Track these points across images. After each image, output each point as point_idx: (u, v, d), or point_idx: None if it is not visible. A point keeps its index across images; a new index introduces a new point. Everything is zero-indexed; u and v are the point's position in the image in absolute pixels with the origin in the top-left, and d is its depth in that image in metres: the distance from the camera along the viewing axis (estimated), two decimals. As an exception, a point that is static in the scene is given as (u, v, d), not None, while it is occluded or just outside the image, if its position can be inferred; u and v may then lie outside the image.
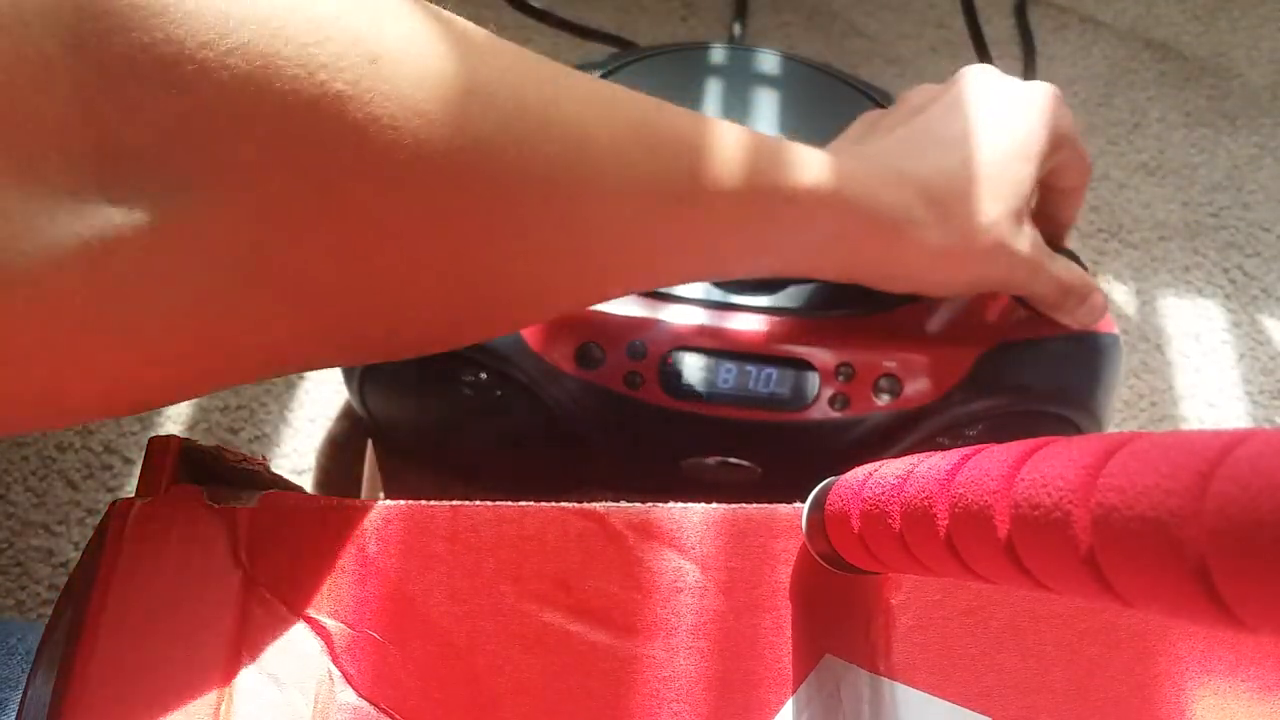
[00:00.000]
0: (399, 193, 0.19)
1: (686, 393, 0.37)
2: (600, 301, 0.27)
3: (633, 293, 0.28)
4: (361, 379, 0.40)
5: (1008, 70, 0.34)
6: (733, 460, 0.38)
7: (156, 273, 0.17)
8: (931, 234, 0.30)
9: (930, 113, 0.33)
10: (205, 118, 0.16)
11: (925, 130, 0.32)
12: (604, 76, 0.43)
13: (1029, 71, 0.67)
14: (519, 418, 0.39)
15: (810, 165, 0.27)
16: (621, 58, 0.44)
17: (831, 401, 0.37)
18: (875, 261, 0.30)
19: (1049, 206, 0.37)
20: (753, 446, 0.38)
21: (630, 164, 0.23)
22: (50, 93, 0.15)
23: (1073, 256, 0.36)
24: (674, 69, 0.43)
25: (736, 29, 0.68)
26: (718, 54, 0.45)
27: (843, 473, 0.19)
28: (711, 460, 0.39)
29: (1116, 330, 0.39)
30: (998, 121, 0.32)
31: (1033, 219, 0.33)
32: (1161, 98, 0.69)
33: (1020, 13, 0.71)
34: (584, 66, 0.43)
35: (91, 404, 0.19)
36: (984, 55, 0.62)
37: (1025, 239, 0.32)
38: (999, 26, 0.71)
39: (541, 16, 0.60)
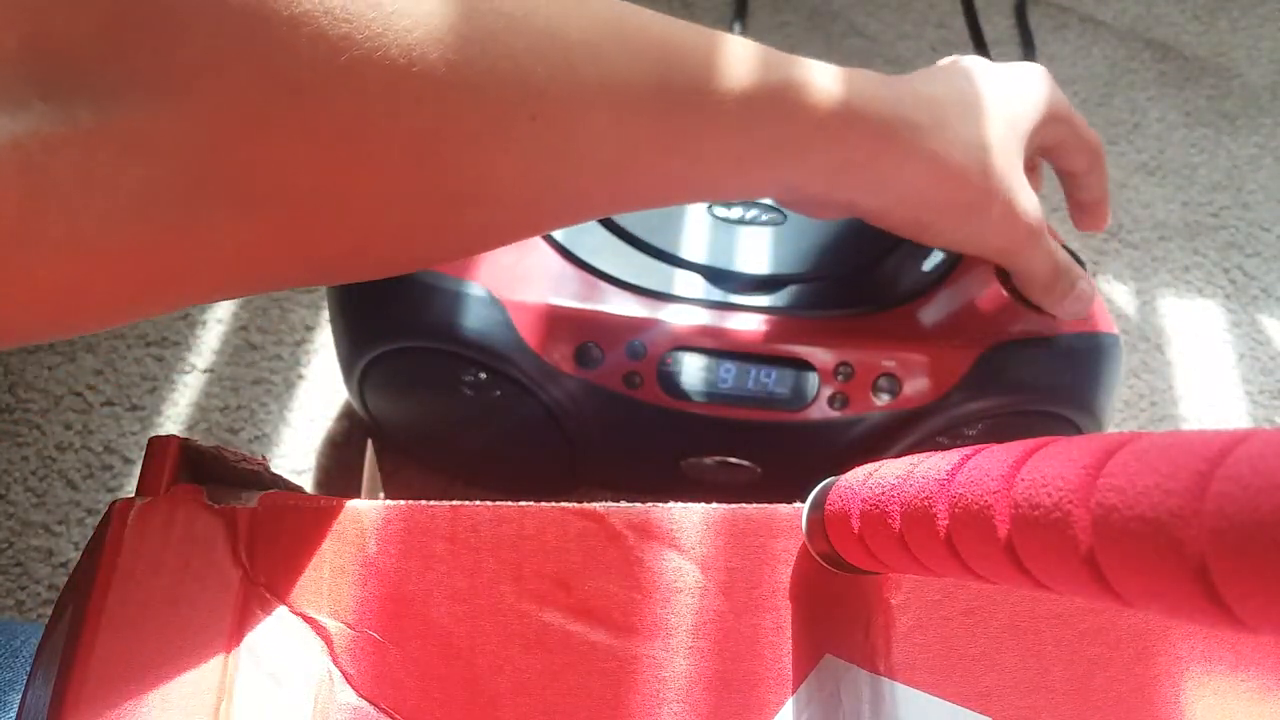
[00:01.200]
0: (363, 88, 0.18)
1: (686, 393, 0.37)
2: (585, 218, 0.26)
3: (619, 211, 0.27)
4: (361, 379, 0.40)
5: (1008, 70, 0.34)
6: (732, 460, 0.38)
7: (97, 177, 0.16)
8: (934, 140, 0.29)
9: (927, 69, 0.33)
10: (147, 8, 0.15)
11: (927, 73, 0.32)
12: None
13: (1029, 71, 0.68)
14: (518, 418, 0.39)
15: (813, 73, 0.27)
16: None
17: (831, 401, 0.37)
18: (878, 175, 0.29)
19: (1072, 190, 0.37)
20: (752, 446, 0.38)
21: (607, 64, 0.22)
22: None
23: (1073, 255, 0.37)
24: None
25: (736, 29, 0.68)
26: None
27: (842, 473, 0.19)
28: (711, 460, 0.39)
29: (1116, 330, 0.39)
30: (992, 73, 0.32)
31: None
32: (1161, 98, 0.69)
33: (1020, 13, 0.71)
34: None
35: (35, 321, 0.18)
36: (984, 55, 0.62)
37: (1027, 196, 0.31)
38: (999, 26, 0.71)
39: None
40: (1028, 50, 0.69)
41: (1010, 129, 0.31)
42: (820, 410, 0.37)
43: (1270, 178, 0.65)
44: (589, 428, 0.38)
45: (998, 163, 0.30)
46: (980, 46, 0.63)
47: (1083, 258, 0.61)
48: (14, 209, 0.15)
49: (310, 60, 0.17)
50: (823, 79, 0.27)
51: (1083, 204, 0.37)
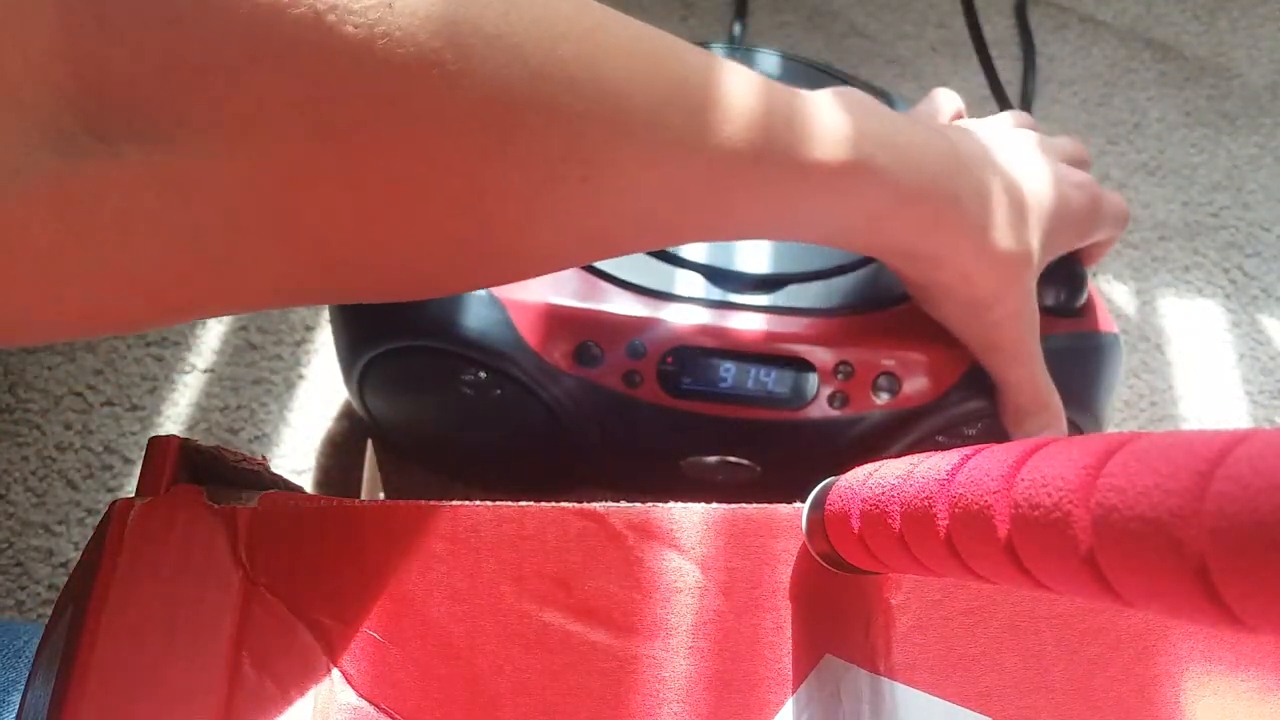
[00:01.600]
0: (412, 143, 0.18)
1: (686, 392, 0.37)
2: (611, 254, 0.25)
3: (643, 249, 0.26)
4: (360, 379, 0.40)
5: (1008, 71, 0.34)
6: (732, 459, 0.38)
7: (139, 216, 0.16)
8: (975, 230, 0.29)
9: (988, 134, 0.33)
10: (203, 55, 0.15)
11: (984, 143, 0.32)
12: None
13: (1029, 71, 0.67)
14: (518, 417, 0.39)
15: (833, 133, 0.26)
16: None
17: (830, 400, 0.37)
18: (902, 241, 0.29)
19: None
20: (752, 445, 0.38)
21: (667, 127, 0.22)
22: (35, 19, 0.14)
23: (1076, 265, 0.37)
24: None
25: (736, 29, 0.68)
26: (717, 54, 0.45)
27: (842, 472, 0.19)
28: (711, 459, 0.39)
29: (1116, 329, 0.39)
30: (1048, 175, 0.32)
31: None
32: (1161, 98, 0.69)
33: (1020, 13, 0.71)
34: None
35: (56, 331, 0.18)
36: (984, 55, 0.62)
37: (1028, 301, 0.32)
38: (999, 26, 0.71)
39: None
40: (1028, 50, 0.69)
41: (1045, 239, 0.31)
42: (820, 409, 0.37)
43: (1270, 178, 0.65)
44: (589, 427, 0.38)
45: (1020, 269, 0.30)
46: (980, 47, 0.62)
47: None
48: (47, 241, 0.15)
49: (365, 114, 0.17)
50: (907, 148, 0.27)
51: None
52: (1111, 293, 0.59)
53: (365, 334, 0.38)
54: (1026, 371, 0.33)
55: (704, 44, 0.46)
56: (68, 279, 0.16)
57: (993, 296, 0.31)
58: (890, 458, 0.18)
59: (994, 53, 0.63)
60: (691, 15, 0.69)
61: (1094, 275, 0.60)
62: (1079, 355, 0.38)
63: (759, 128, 0.24)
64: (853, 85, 0.38)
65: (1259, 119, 0.68)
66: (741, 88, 0.24)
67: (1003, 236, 0.30)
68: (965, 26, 0.63)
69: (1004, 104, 0.64)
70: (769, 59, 0.45)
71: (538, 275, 0.24)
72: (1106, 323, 0.39)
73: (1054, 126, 0.66)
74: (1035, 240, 0.30)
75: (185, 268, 0.17)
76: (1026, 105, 0.66)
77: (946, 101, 0.37)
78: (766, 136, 0.24)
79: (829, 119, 0.26)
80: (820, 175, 0.25)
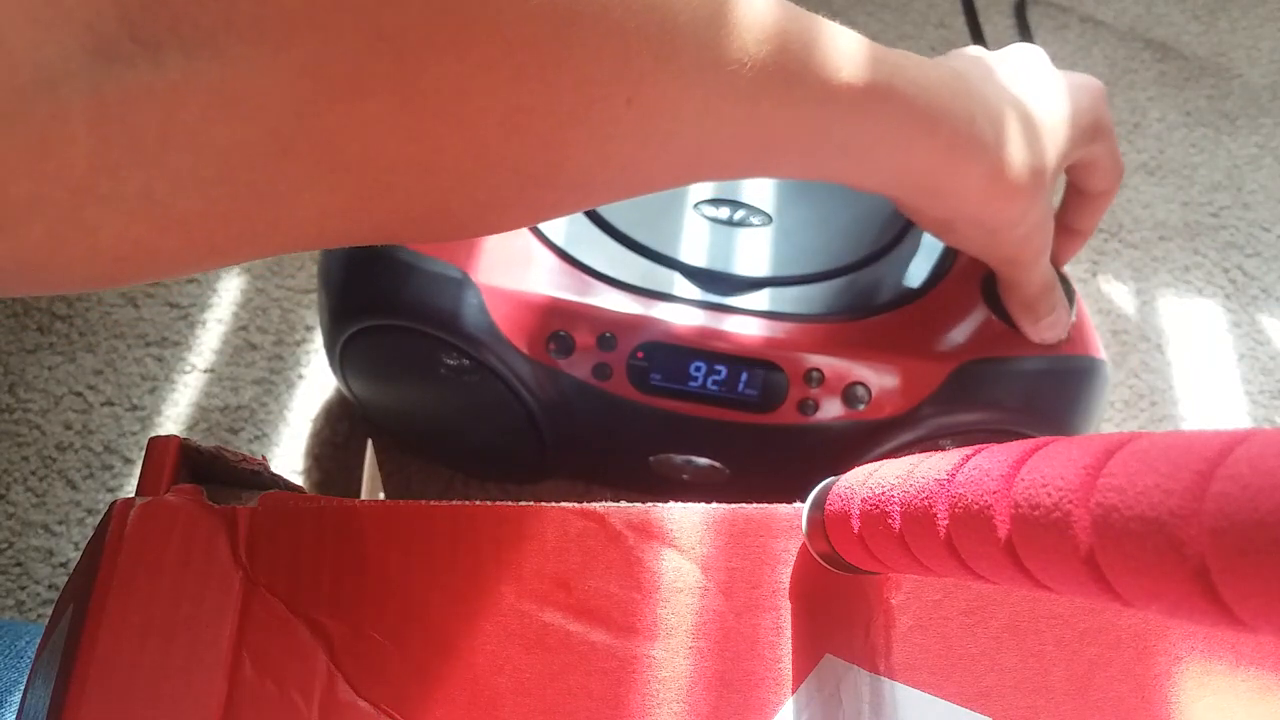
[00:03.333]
0: (468, 53, 0.17)
1: (655, 388, 0.36)
2: (641, 194, 0.25)
3: (681, 184, 0.26)
4: (341, 356, 0.40)
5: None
6: (700, 460, 0.38)
7: (179, 135, 0.15)
8: (989, 154, 0.29)
9: (991, 56, 0.33)
10: None
11: (988, 65, 0.32)
12: None
13: (1029, 71, 0.67)
14: (489, 403, 0.39)
15: (852, 57, 0.26)
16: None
17: (800, 406, 0.36)
18: (925, 172, 0.29)
19: (1072, 212, 0.37)
20: (720, 446, 0.38)
21: (710, 49, 0.21)
22: None
23: (1065, 281, 0.36)
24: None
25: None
26: None
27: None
28: (679, 458, 0.38)
29: (1102, 355, 0.39)
30: (1054, 83, 0.32)
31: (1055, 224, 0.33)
32: (1161, 98, 0.69)
33: (1020, 13, 0.71)
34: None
35: (89, 276, 0.17)
36: (984, 55, 0.62)
37: (1048, 213, 0.32)
38: (999, 26, 0.71)
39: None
40: (1028, 50, 0.69)
41: (1057, 150, 0.31)
42: (789, 414, 0.36)
43: (1270, 178, 0.65)
44: (558, 417, 0.38)
45: (1041, 185, 0.30)
46: (980, 46, 0.63)
47: (1082, 258, 0.61)
48: (84, 162, 0.14)
49: (418, 21, 0.16)
50: (918, 75, 0.27)
51: (1073, 230, 0.37)
52: (1111, 293, 0.59)
53: (344, 312, 0.38)
54: (1040, 270, 0.34)
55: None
56: (103, 208, 0.15)
57: (1017, 216, 0.31)
58: (889, 459, 0.18)
59: (994, 53, 0.63)
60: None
61: (1094, 275, 0.60)
62: (1056, 377, 0.37)
63: (790, 51, 0.24)
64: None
65: (1259, 119, 0.68)
66: (771, 9, 0.24)
67: (1018, 155, 0.30)
68: (965, 26, 0.63)
69: (1004, 104, 0.64)
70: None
71: (579, 208, 0.24)
72: (1092, 346, 0.38)
73: (1054, 126, 0.66)
74: (1052, 153, 0.31)
75: (227, 198, 0.16)
76: (1026, 105, 0.66)
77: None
78: (798, 59, 0.24)
79: (846, 44, 0.26)
80: (847, 98, 0.25)
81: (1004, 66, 0.32)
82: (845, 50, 0.25)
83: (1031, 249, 0.33)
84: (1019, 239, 0.32)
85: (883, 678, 0.20)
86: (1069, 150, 0.32)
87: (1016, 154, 0.29)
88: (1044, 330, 0.36)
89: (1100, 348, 0.39)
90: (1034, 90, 0.31)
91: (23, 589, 0.45)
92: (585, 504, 0.21)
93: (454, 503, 0.21)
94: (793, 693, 0.20)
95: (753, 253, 0.38)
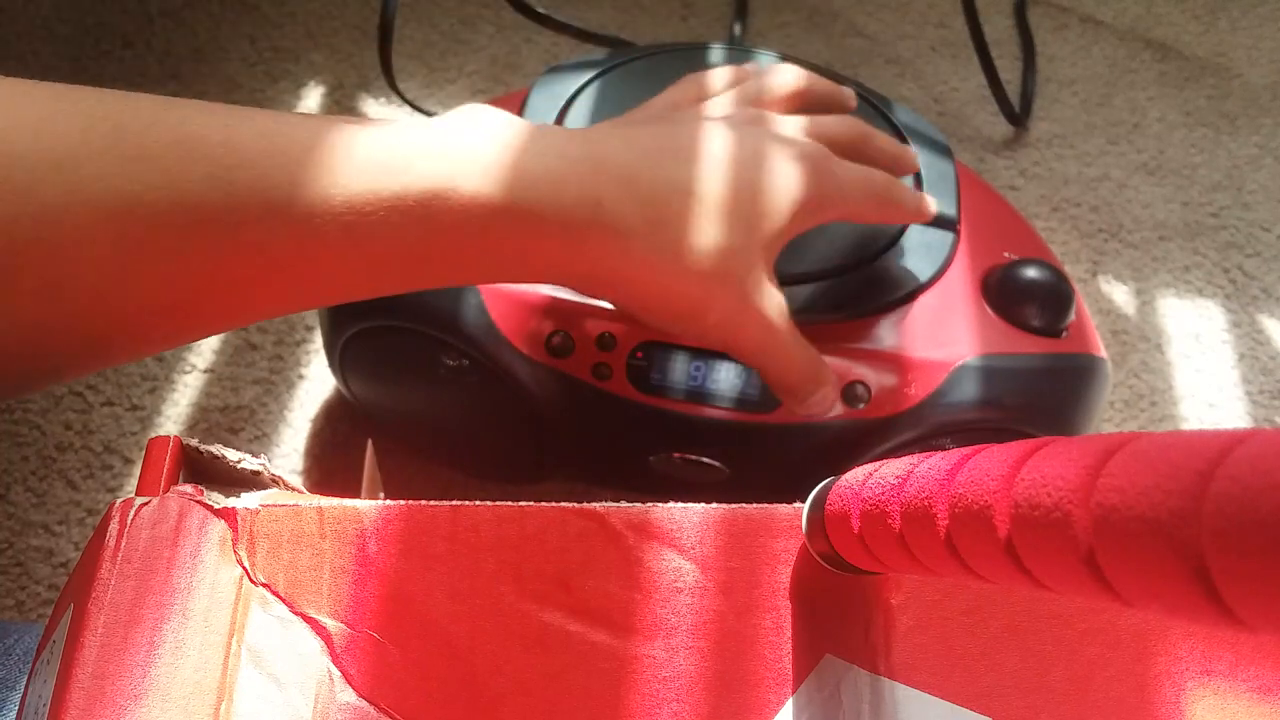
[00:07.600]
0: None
1: (654, 388, 0.36)
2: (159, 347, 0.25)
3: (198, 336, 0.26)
4: (341, 357, 0.40)
5: (1008, 71, 0.34)
6: (700, 459, 0.38)
7: None
8: (636, 239, 0.27)
9: (685, 121, 0.30)
10: None
11: (671, 136, 0.29)
12: (600, 75, 0.43)
13: (1029, 71, 0.67)
14: (488, 403, 0.39)
15: (426, 162, 0.24)
16: (618, 57, 0.44)
17: None
18: (556, 265, 0.27)
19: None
20: (720, 446, 0.38)
21: (114, 181, 0.21)
22: None
23: (1065, 280, 0.36)
24: (671, 69, 0.43)
25: (736, 29, 0.68)
26: (716, 54, 0.45)
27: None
28: (679, 457, 0.38)
29: (1102, 353, 0.39)
30: (764, 159, 0.29)
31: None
32: (1161, 98, 0.69)
33: (1020, 13, 0.71)
34: (582, 66, 0.43)
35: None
36: (984, 55, 0.62)
37: (768, 298, 0.29)
38: (999, 26, 0.71)
39: (542, 20, 0.60)
40: (1028, 50, 0.69)
41: (762, 232, 0.29)
42: (789, 414, 0.36)
43: (1270, 178, 0.65)
44: (557, 417, 0.38)
45: (731, 270, 0.28)
46: (980, 47, 0.63)
47: (1083, 258, 0.61)
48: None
49: None
50: (485, 162, 0.25)
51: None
52: (1111, 293, 0.59)
53: (343, 313, 0.38)
54: (782, 359, 0.31)
55: (704, 44, 0.46)
56: None
57: (699, 304, 0.29)
58: (890, 459, 0.18)
59: (994, 53, 0.63)
60: (691, 15, 0.69)
61: (1094, 275, 0.60)
62: (1058, 376, 0.37)
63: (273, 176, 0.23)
64: (850, 87, 0.38)
65: (1259, 119, 0.68)
66: (270, 132, 0.24)
67: (690, 236, 0.27)
68: (965, 26, 0.63)
69: (1004, 104, 0.64)
70: (767, 60, 0.45)
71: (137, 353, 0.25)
72: (1092, 344, 0.38)
73: (1054, 126, 0.66)
74: (737, 232, 0.28)
75: None
76: (1026, 105, 0.66)
77: (687, 87, 0.34)
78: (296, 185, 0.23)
79: (381, 156, 0.24)
80: (415, 215, 0.24)
81: (686, 140, 0.29)
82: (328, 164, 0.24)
83: (743, 339, 0.30)
84: (715, 326, 0.29)
85: (883, 678, 0.20)
86: (784, 227, 0.29)
87: (687, 235, 0.27)
88: (811, 407, 0.33)
89: (1100, 346, 0.39)
90: (720, 167, 0.29)
91: (23, 589, 0.45)
92: (585, 504, 0.21)
93: (454, 503, 0.21)
94: (793, 693, 0.20)
95: None
